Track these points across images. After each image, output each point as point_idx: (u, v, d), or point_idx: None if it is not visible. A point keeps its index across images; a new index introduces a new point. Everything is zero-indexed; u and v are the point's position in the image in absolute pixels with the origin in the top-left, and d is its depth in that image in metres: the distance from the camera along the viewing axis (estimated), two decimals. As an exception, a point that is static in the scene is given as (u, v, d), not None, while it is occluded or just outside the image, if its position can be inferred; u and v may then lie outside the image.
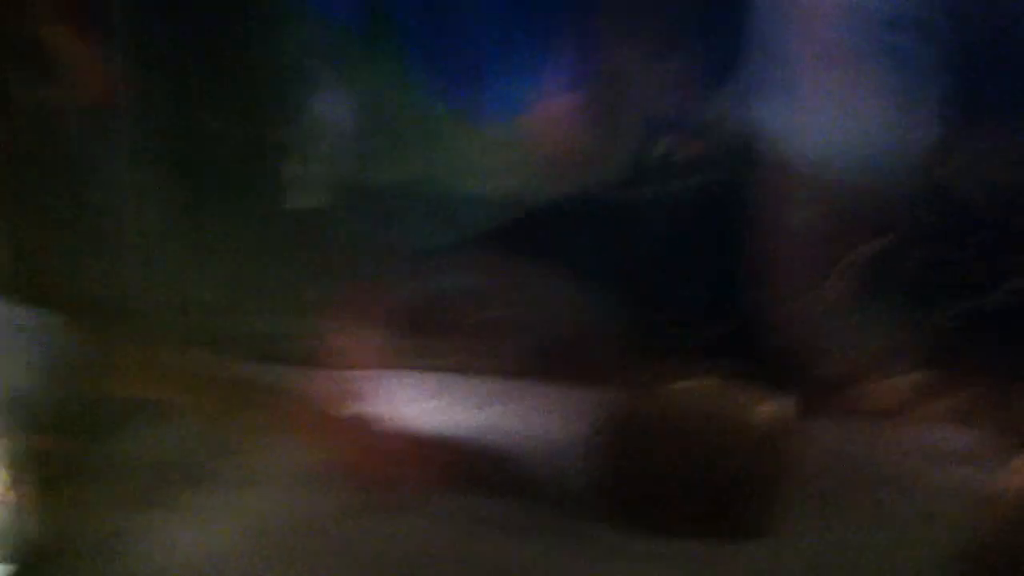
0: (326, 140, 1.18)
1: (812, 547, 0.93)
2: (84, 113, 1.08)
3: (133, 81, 1.14)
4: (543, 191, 1.13)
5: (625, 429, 0.98)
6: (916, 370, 1.03)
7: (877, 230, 1.03)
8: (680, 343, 1.08)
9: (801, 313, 1.05)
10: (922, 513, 0.95)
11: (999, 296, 1.00)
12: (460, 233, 1.15)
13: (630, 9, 1.10)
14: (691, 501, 0.94)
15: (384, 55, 1.17)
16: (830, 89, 1.06)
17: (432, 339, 1.17)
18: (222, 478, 1.02)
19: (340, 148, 1.18)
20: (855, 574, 0.90)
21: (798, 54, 1.04)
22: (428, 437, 1.05)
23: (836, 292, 1.03)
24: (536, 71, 1.13)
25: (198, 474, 1.02)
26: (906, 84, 1.05)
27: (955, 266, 1.00)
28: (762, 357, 1.06)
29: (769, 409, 0.98)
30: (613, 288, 1.11)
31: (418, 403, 1.14)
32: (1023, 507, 0.86)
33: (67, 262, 1.08)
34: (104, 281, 1.14)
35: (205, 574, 0.90)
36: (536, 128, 1.13)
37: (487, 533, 0.95)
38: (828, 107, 1.04)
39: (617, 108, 1.11)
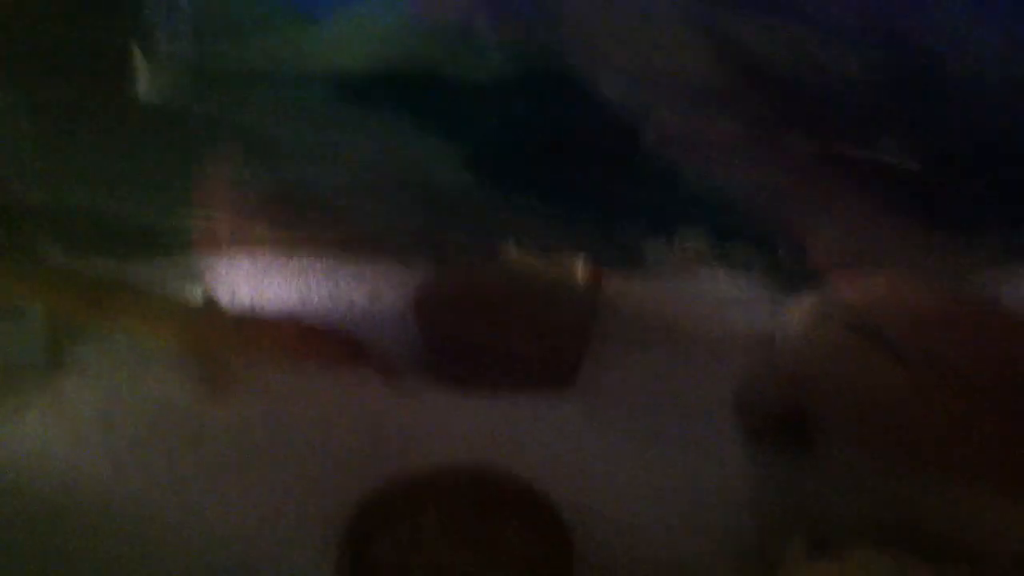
0: (170, 31, 1.15)
1: (618, 392, 0.99)
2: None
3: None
4: (382, 76, 1.13)
5: (449, 298, 1.02)
6: (701, 227, 1.10)
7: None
8: (499, 216, 1.11)
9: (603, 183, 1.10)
10: (714, 356, 1.02)
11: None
12: (303, 119, 1.15)
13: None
14: (509, 357, 0.98)
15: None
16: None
17: (273, 221, 1.18)
18: (72, 371, 1.01)
19: (184, 40, 1.16)
20: (658, 412, 0.96)
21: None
22: (272, 317, 1.06)
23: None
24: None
25: (47, 368, 1.01)
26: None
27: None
28: (571, 226, 1.10)
29: (579, 272, 1.03)
30: (443, 166, 1.13)
31: (261, 284, 1.15)
32: (795, 346, 0.95)
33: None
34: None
35: (57, 464, 0.90)
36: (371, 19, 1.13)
37: (329, 403, 0.98)
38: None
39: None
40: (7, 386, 0.99)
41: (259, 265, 1.18)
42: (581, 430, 0.94)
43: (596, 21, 1.06)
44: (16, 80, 1.15)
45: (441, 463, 0.88)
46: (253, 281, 1.15)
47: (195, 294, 1.06)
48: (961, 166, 1.04)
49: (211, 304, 1.04)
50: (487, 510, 0.82)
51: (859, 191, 1.08)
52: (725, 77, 1.04)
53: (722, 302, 1.08)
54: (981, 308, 0.98)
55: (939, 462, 0.82)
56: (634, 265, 1.13)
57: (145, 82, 1.17)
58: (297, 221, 1.18)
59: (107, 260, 1.18)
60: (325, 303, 1.11)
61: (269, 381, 1.00)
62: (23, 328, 1.06)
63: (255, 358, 1.02)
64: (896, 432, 0.83)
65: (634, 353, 1.03)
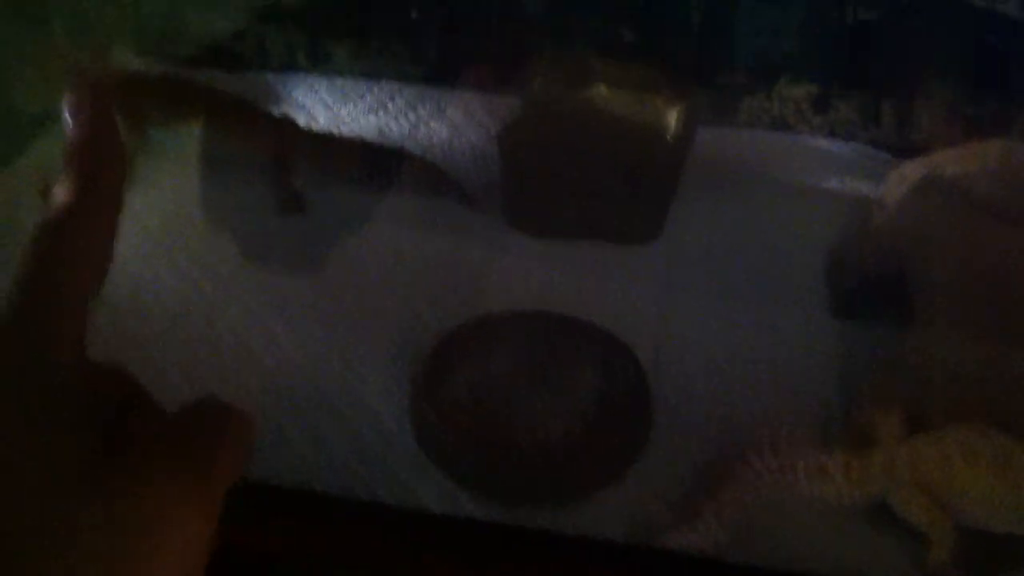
0: None
1: (704, 245, 0.96)
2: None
3: None
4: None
5: (531, 132, 0.97)
6: (803, 82, 1.06)
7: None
8: (588, 50, 1.06)
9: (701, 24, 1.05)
10: (806, 216, 0.98)
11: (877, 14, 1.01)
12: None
13: None
14: (593, 204, 0.94)
15: None
16: None
17: (351, 43, 1.14)
18: (143, 185, 1.00)
19: None
20: (741, 271, 0.93)
21: None
22: (345, 138, 1.03)
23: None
24: None
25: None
26: None
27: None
28: (665, 64, 1.05)
29: (672, 115, 0.98)
30: None
31: (336, 107, 1.12)
32: (898, 212, 0.90)
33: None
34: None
35: (127, 275, 0.89)
36: None
37: (395, 229, 0.96)
38: None
39: None
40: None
41: (338, 91, 1.14)
42: (664, 280, 0.91)
43: None
44: None
45: (518, 306, 0.85)
46: (332, 105, 1.12)
47: (273, 109, 1.03)
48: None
49: (287, 120, 1.01)
50: (562, 353, 0.80)
51: (963, 63, 1.02)
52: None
53: (820, 161, 1.03)
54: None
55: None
56: (731, 116, 1.08)
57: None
58: (380, 51, 1.14)
59: (185, 70, 1.16)
60: (405, 132, 1.07)
61: (345, 205, 0.98)
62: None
63: (332, 176, 0.99)
64: (1002, 302, 0.78)
65: (724, 206, 0.99)
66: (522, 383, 0.77)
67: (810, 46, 1.02)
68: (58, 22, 1.11)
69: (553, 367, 0.79)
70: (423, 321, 0.85)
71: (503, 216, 0.97)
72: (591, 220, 0.95)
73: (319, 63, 1.14)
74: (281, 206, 0.96)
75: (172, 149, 1.04)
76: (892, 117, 1.03)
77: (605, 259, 0.93)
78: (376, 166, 0.99)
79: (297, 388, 0.79)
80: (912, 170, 0.95)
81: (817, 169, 1.03)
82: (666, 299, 0.89)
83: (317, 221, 0.96)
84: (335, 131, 1.05)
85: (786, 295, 0.91)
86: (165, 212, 0.96)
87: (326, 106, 1.11)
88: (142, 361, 0.83)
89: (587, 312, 0.85)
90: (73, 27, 1.13)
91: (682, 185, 0.99)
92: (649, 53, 1.06)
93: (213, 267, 0.90)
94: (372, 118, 1.09)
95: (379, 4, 1.12)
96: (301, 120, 1.06)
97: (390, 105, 1.10)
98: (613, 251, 0.94)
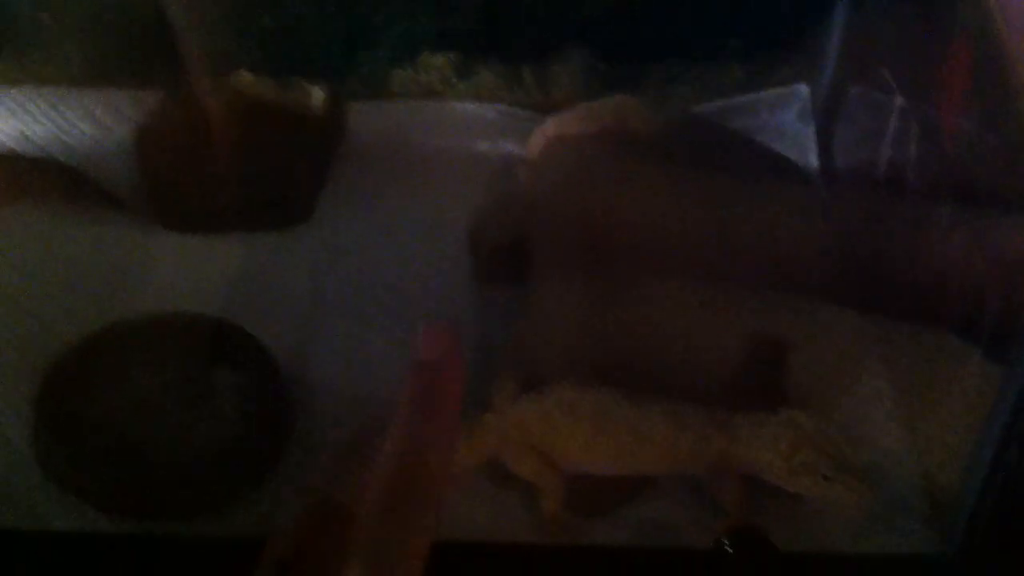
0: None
1: (355, 227, 0.95)
2: None
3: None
4: None
5: (169, 125, 0.96)
6: (444, 53, 1.08)
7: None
8: (232, 40, 1.05)
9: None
10: (457, 181, 0.99)
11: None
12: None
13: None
14: (239, 194, 0.93)
15: None
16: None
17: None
18: None
19: None
20: (398, 247, 0.94)
21: None
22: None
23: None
24: None
25: None
26: None
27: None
28: (308, 53, 1.06)
29: (319, 100, 0.99)
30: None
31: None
32: (536, 170, 0.95)
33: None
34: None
35: None
36: None
37: (28, 239, 0.93)
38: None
39: None
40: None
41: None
42: (314, 269, 0.91)
43: None
44: None
45: (164, 309, 0.84)
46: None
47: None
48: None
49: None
50: (199, 358, 0.79)
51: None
52: None
53: (468, 129, 1.05)
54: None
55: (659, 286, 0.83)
56: (378, 92, 1.09)
57: None
58: (15, 55, 1.09)
59: None
60: (48, 137, 1.03)
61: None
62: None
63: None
64: (611, 249, 0.83)
65: (377, 181, 1.00)
66: (154, 393, 0.77)
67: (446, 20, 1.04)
68: None
69: (189, 373, 0.79)
70: (58, 333, 0.82)
71: (149, 215, 0.94)
72: (240, 211, 0.94)
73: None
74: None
75: None
76: (532, 78, 1.06)
77: (257, 253, 0.92)
78: (14, 175, 0.96)
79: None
80: (549, 128, 0.99)
81: (466, 133, 1.05)
82: (314, 288, 0.89)
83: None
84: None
85: (436, 268, 0.91)
86: None
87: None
88: None
89: (236, 311, 0.84)
90: None
91: (332, 164, 1.00)
92: (291, 38, 1.05)
93: None
94: (12, 121, 1.04)
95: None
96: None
97: (30, 107, 1.06)
98: (265, 243, 0.93)
